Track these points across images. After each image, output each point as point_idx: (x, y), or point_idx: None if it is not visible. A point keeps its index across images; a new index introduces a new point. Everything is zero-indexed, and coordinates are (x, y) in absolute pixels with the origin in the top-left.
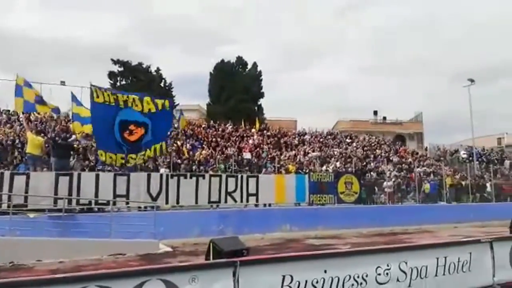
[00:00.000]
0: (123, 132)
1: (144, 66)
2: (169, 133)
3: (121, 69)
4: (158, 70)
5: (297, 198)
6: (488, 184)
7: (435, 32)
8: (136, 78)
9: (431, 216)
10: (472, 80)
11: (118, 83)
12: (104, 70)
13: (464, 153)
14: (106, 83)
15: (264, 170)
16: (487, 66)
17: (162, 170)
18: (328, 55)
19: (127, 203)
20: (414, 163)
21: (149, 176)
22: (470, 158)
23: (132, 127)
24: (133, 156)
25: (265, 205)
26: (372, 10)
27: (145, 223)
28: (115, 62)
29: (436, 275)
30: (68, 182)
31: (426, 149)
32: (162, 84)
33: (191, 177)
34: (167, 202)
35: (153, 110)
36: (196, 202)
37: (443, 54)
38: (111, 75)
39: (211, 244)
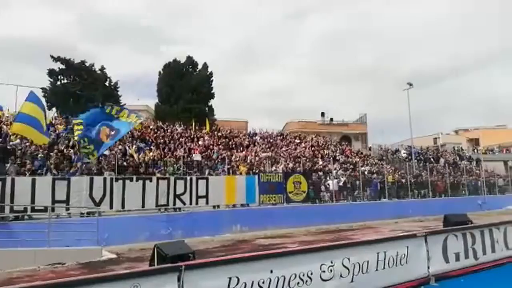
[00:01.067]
0: (99, 133)
1: (87, 64)
2: None
3: (63, 67)
4: (102, 68)
5: (247, 199)
6: (424, 182)
7: (379, 39)
8: (79, 76)
9: (374, 213)
10: (410, 84)
11: (58, 82)
12: (42, 69)
13: (404, 153)
14: (45, 81)
15: (215, 171)
16: (426, 71)
17: (106, 174)
18: (278, 58)
19: (68, 209)
20: (359, 162)
21: (91, 180)
22: (409, 157)
23: (106, 129)
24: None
25: (214, 206)
26: (318, 16)
27: (87, 229)
28: (56, 59)
29: (376, 270)
30: (0, 188)
31: (370, 149)
32: (107, 84)
33: (137, 180)
34: (111, 207)
35: (124, 119)
36: (143, 206)
37: (387, 60)
38: (51, 73)
39: (155, 249)
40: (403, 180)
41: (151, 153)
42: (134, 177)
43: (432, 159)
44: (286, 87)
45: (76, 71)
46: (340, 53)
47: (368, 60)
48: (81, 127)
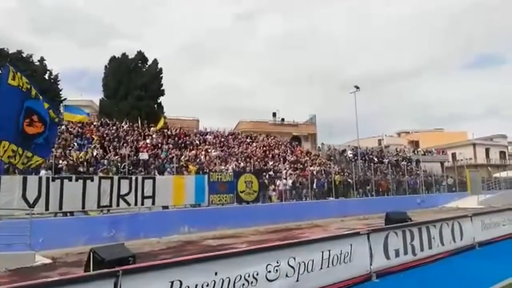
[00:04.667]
0: (24, 120)
1: (24, 55)
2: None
3: None
4: (42, 60)
5: (196, 199)
6: (369, 182)
7: (328, 43)
8: (14, 68)
9: (321, 212)
10: (357, 87)
11: None
12: None
13: (350, 153)
14: None
15: (163, 171)
16: (371, 75)
17: (42, 172)
18: (229, 58)
19: None
20: (308, 162)
21: (25, 180)
22: (356, 158)
23: (35, 117)
24: (29, 154)
25: (163, 207)
26: (269, 18)
27: (19, 233)
28: None
29: (321, 268)
30: None
31: (319, 149)
32: (46, 76)
33: (77, 180)
34: (47, 209)
35: (53, 116)
36: (83, 208)
37: (336, 64)
38: None
39: (91, 253)
40: (350, 180)
41: (93, 152)
42: (74, 177)
43: (376, 160)
44: (238, 87)
45: (10, 62)
46: (291, 55)
47: (317, 63)
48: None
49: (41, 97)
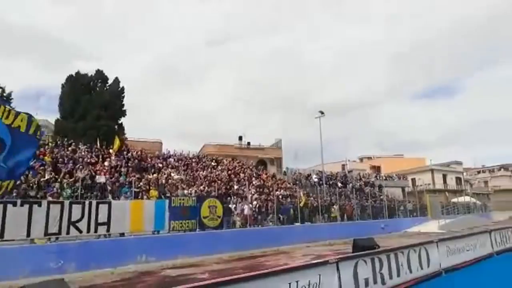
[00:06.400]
0: None
1: None
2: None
3: None
4: None
5: (155, 226)
6: (334, 206)
7: (296, 70)
8: None
9: (287, 237)
10: (322, 112)
11: None
12: None
13: (315, 177)
14: None
15: (120, 195)
16: (339, 101)
17: None
18: (196, 82)
19: None
20: (273, 186)
21: None
22: (321, 182)
23: None
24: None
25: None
26: (237, 44)
27: None
28: None
29: None
30: None
31: (284, 173)
32: None
33: (22, 205)
34: None
35: (22, 129)
36: (28, 235)
37: (301, 90)
38: None
39: None
40: (315, 204)
41: (45, 174)
42: (19, 201)
43: (340, 184)
44: (203, 111)
45: None
46: (258, 81)
47: (284, 89)
48: None
49: (5, 108)
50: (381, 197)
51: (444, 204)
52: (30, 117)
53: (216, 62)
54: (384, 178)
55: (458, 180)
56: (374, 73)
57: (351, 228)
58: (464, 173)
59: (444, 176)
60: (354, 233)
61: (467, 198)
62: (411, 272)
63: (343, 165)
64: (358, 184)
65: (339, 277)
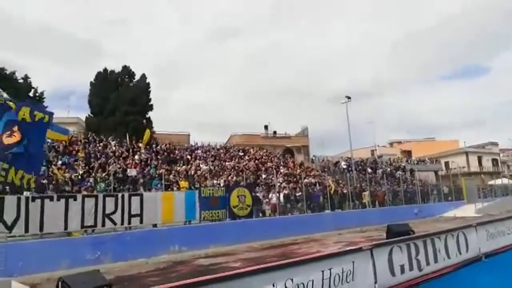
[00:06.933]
0: (4, 133)
1: (7, 72)
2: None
3: None
4: (26, 78)
5: (186, 216)
6: (365, 193)
7: (313, 57)
8: None
9: (317, 225)
10: (348, 97)
11: None
12: None
13: (344, 164)
14: None
15: (151, 187)
16: (356, 88)
17: (26, 193)
18: (215, 75)
19: None
20: (301, 174)
21: (1, 200)
22: (350, 168)
23: (15, 128)
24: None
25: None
26: (255, 32)
27: None
28: None
29: None
30: None
31: (312, 161)
32: (31, 94)
33: (58, 199)
34: (27, 231)
35: (28, 120)
36: (66, 228)
37: (321, 78)
38: None
39: (59, 282)
40: (344, 191)
41: (79, 169)
42: (55, 196)
43: (370, 170)
44: (225, 103)
45: None
46: (278, 68)
47: (304, 76)
48: None
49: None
50: (413, 181)
51: (481, 187)
52: (32, 109)
53: (235, 52)
54: (415, 162)
55: (495, 161)
56: (398, 54)
57: (383, 214)
58: (501, 155)
59: (479, 158)
60: (386, 219)
61: (505, 180)
62: (449, 257)
63: (372, 151)
64: (388, 169)
65: (374, 264)
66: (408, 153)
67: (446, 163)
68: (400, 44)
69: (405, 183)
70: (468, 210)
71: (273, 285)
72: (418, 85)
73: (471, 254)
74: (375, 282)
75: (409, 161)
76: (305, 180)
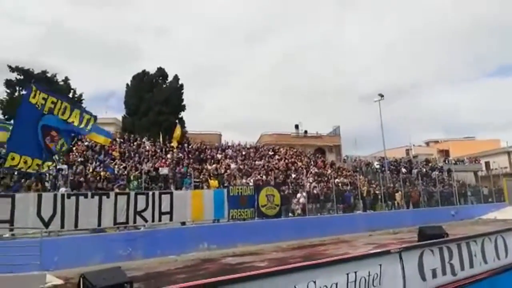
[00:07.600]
0: (44, 138)
1: (49, 75)
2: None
3: (21, 77)
4: (66, 80)
5: (215, 214)
6: (398, 193)
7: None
8: (40, 87)
9: (348, 226)
10: (381, 95)
11: (17, 93)
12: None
13: (377, 164)
14: (1, 93)
15: (182, 185)
16: (394, 86)
17: (62, 189)
18: (245, 75)
19: (11, 229)
20: (332, 174)
21: (39, 197)
22: (383, 168)
23: (53, 133)
24: (49, 164)
25: (181, 223)
26: (282, 35)
27: (31, 252)
28: (13, 69)
29: None
30: None
31: (344, 161)
32: (70, 95)
33: (92, 197)
34: (62, 226)
35: (76, 124)
36: (99, 225)
37: (356, 77)
38: (9, 84)
39: (81, 279)
40: (377, 192)
41: (114, 168)
42: (89, 193)
43: (405, 170)
44: (258, 103)
45: (35, 82)
46: (306, 69)
47: (334, 75)
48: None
49: (62, 103)
50: (451, 182)
51: None
52: (82, 112)
53: (266, 54)
54: (453, 162)
55: None
56: (437, 53)
57: (417, 215)
58: None
59: None
60: (420, 221)
61: None
62: (486, 262)
63: (407, 150)
64: (424, 169)
65: (403, 268)
66: (445, 153)
67: (487, 163)
68: (449, 40)
69: (441, 183)
70: (509, 212)
71: (295, 287)
72: (457, 83)
73: (510, 260)
74: (404, 287)
75: (446, 161)
76: (336, 180)
